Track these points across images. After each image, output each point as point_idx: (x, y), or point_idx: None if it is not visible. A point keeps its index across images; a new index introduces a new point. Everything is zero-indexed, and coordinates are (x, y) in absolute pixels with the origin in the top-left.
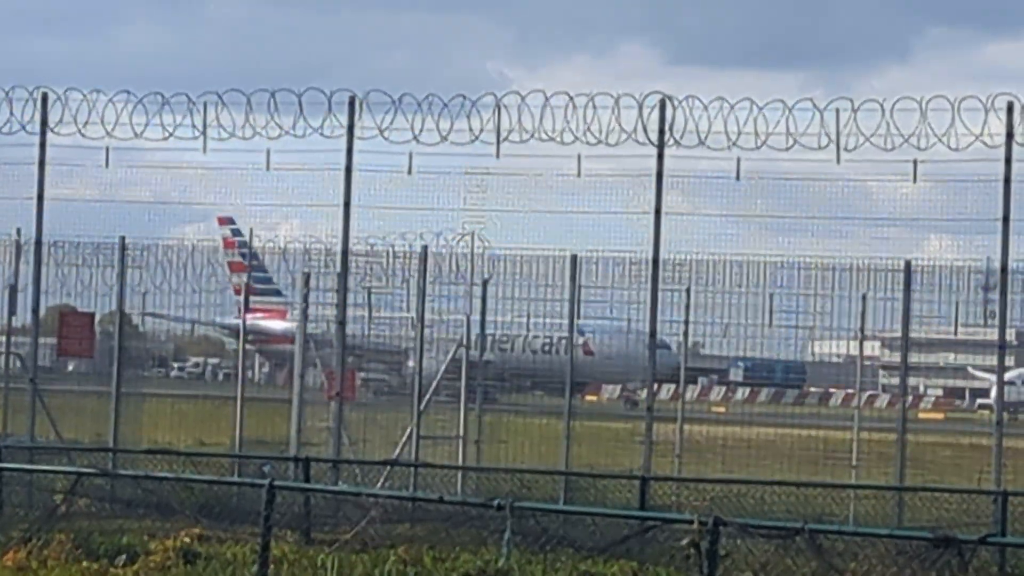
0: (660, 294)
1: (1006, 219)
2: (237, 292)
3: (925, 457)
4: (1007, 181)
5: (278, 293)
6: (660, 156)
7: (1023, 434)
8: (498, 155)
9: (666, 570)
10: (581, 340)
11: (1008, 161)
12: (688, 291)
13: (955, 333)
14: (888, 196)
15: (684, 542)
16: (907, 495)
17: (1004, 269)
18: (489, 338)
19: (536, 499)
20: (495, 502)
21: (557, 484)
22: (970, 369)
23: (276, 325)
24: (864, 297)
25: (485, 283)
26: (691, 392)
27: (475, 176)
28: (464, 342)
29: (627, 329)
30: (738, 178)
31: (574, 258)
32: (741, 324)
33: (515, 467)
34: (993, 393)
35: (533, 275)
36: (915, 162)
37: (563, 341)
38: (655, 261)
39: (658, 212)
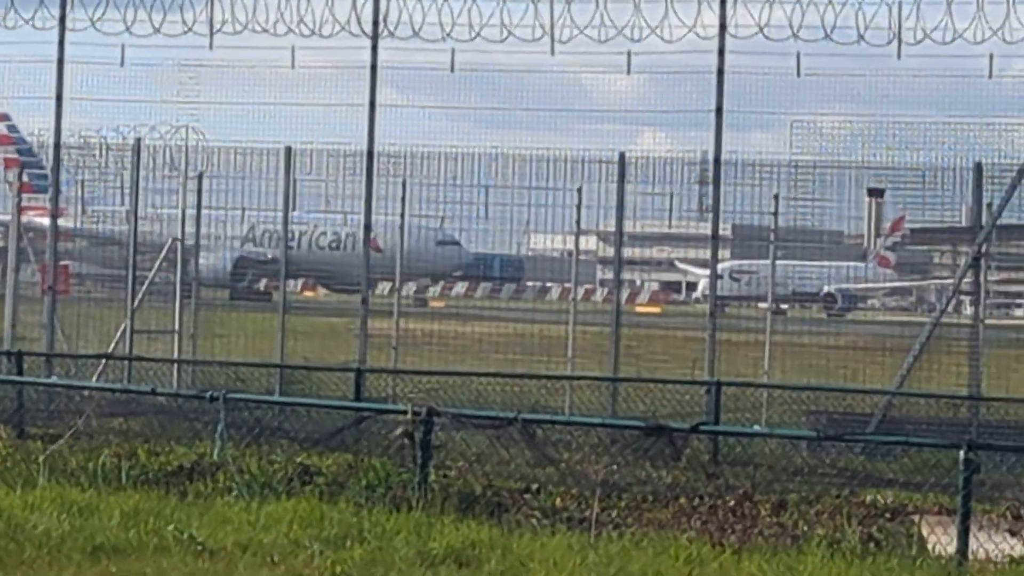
0: (375, 186)
1: (719, 110)
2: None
3: (641, 350)
4: (720, 73)
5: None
6: (374, 48)
7: (736, 327)
8: (211, 47)
9: (381, 461)
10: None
11: (721, 53)
12: (404, 183)
13: (670, 226)
14: (603, 89)
15: (398, 432)
16: (623, 387)
17: (717, 161)
18: (273, 235)
19: (252, 392)
20: (208, 394)
21: (273, 377)
22: (677, 263)
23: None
24: (580, 190)
25: (200, 176)
26: (407, 289)
27: (189, 68)
28: (180, 236)
29: (417, 226)
30: (452, 70)
31: (288, 150)
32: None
33: (230, 360)
34: (701, 286)
35: (248, 168)
36: (629, 54)
37: (351, 237)
38: (370, 153)
39: (372, 104)
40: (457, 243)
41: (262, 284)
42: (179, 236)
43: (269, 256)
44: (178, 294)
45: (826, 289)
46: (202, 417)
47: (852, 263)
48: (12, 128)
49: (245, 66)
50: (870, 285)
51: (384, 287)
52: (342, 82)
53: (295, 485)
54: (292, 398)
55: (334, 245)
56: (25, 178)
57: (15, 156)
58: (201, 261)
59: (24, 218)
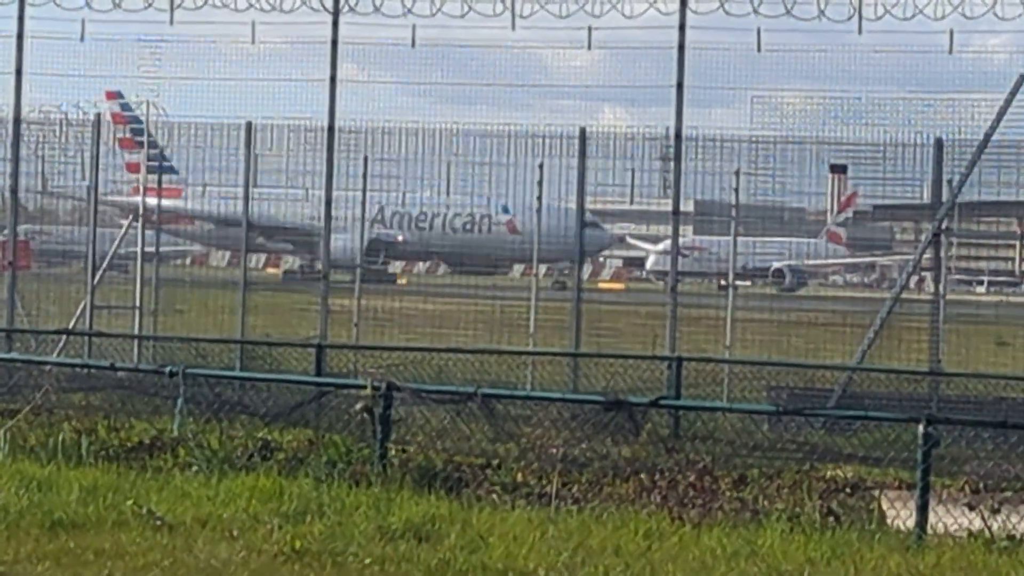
0: (336, 162)
1: (680, 86)
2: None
3: (603, 325)
4: (681, 48)
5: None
6: (335, 23)
7: (696, 303)
8: (172, 22)
9: (341, 436)
10: (507, 218)
11: (682, 28)
12: (365, 159)
13: (631, 202)
14: (564, 64)
15: (358, 407)
16: (584, 362)
17: (679, 136)
18: (404, 216)
19: (213, 368)
20: (167, 369)
21: (233, 353)
22: (628, 238)
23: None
24: (541, 166)
25: (161, 151)
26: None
27: (149, 43)
28: (141, 212)
29: (557, 207)
30: (413, 46)
31: (249, 126)
32: (416, 192)
33: (190, 336)
34: (650, 262)
35: (209, 143)
36: (589, 29)
37: (486, 219)
38: (331, 129)
39: (333, 80)
40: (599, 225)
41: (391, 266)
42: (144, 212)
43: (399, 238)
44: (139, 269)
45: (775, 265)
46: (162, 392)
47: (801, 239)
48: (125, 107)
49: (206, 41)
50: (819, 262)
51: (517, 269)
52: (303, 57)
53: (255, 460)
54: (251, 373)
55: (468, 227)
56: (139, 158)
57: (130, 136)
58: (334, 244)
59: (135, 198)
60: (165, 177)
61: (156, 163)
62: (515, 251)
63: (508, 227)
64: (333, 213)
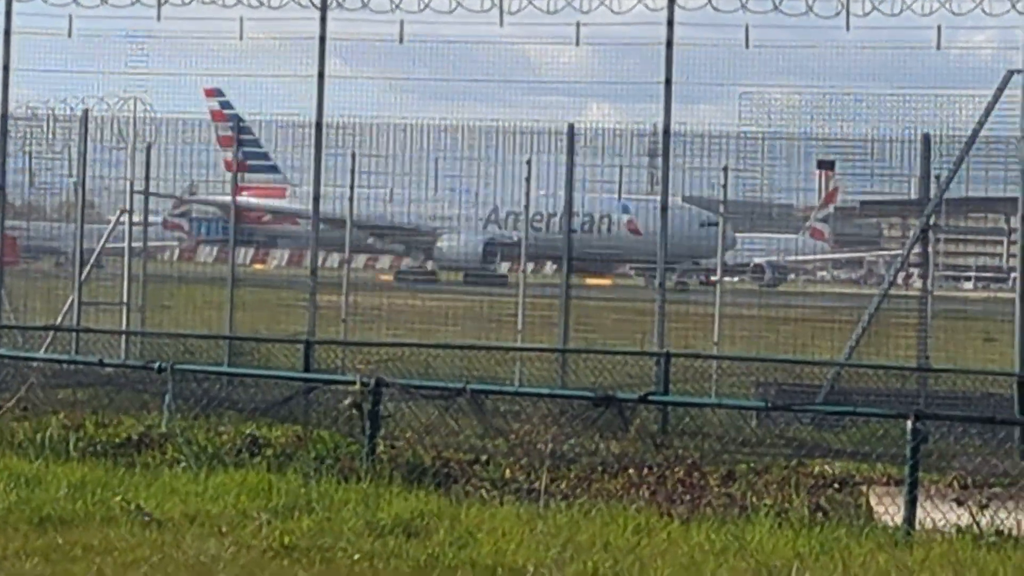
0: (324, 158)
1: (668, 82)
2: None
3: (592, 321)
4: (669, 44)
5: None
6: (323, 19)
7: (682, 299)
8: (159, 18)
9: (329, 432)
10: (627, 218)
11: (670, 24)
12: (353, 155)
13: (619, 198)
14: (552, 60)
15: (346, 403)
16: (572, 358)
17: (667, 132)
18: (519, 217)
19: (200, 364)
20: (156, 364)
21: (221, 349)
22: None
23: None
24: (529, 162)
25: (148, 148)
26: (359, 260)
27: (137, 39)
28: (128, 207)
29: (679, 207)
30: (401, 42)
31: (237, 120)
32: (403, 189)
33: (179, 332)
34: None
35: (197, 139)
36: (578, 25)
37: (605, 220)
38: (318, 125)
39: (321, 76)
40: (716, 224)
41: (504, 267)
42: (128, 207)
43: (515, 239)
44: (126, 266)
45: (755, 261)
46: (150, 388)
47: (784, 235)
48: (226, 104)
49: (193, 37)
50: (799, 258)
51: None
52: (291, 53)
53: (243, 456)
54: (240, 369)
55: (586, 227)
56: (241, 156)
57: (229, 134)
58: (448, 244)
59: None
60: (264, 176)
61: (257, 162)
62: (636, 252)
63: (629, 227)
64: (445, 213)
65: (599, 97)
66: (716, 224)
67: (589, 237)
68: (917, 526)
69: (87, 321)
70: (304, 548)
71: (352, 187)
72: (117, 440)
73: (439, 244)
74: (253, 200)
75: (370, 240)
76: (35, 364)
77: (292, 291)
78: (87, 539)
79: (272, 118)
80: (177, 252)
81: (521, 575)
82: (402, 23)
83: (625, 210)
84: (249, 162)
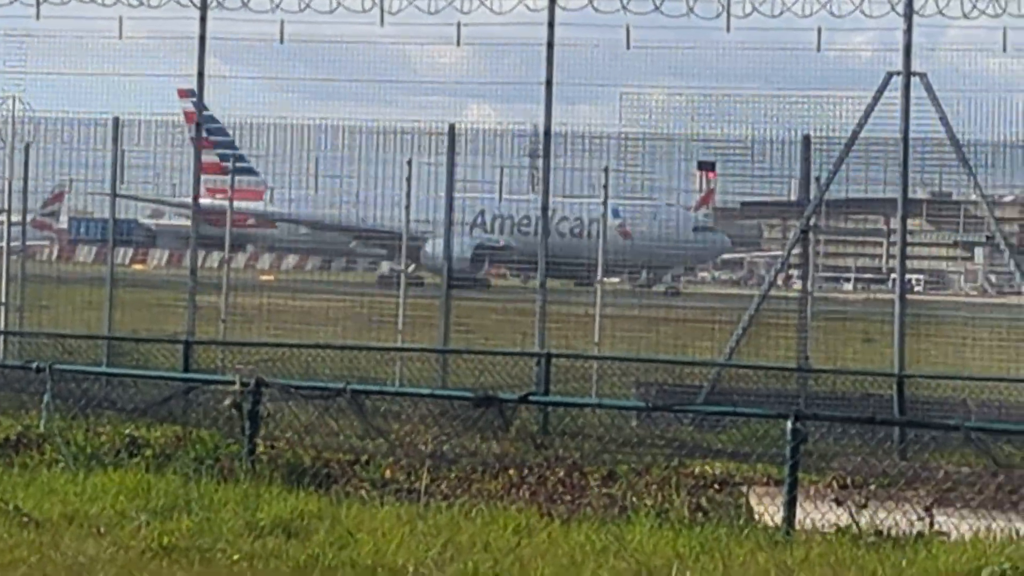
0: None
1: (549, 83)
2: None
3: (473, 321)
4: (550, 45)
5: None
6: (203, 19)
7: (563, 300)
8: (38, 17)
9: (209, 432)
10: (617, 222)
11: (551, 25)
12: (232, 156)
13: (499, 199)
14: (432, 61)
15: (226, 403)
16: (453, 359)
17: (548, 132)
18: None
19: (79, 364)
20: (34, 364)
21: (101, 349)
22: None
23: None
24: (409, 162)
25: (27, 147)
26: (239, 260)
27: (15, 38)
28: (7, 206)
29: (671, 211)
30: (282, 41)
31: (116, 121)
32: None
33: (57, 331)
34: None
35: (76, 139)
36: (459, 25)
37: (595, 224)
38: (198, 124)
39: (201, 75)
40: (714, 229)
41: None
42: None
43: (501, 243)
44: (4, 263)
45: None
46: (28, 389)
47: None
48: (199, 105)
49: (73, 36)
50: None
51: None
52: (171, 53)
53: (122, 456)
54: (119, 369)
55: (576, 231)
56: (215, 158)
57: (204, 136)
58: (434, 250)
59: (210, 201)
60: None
61: (231, 163)
62: (626, 257)
63: (620, 232)
64: (428, 218)
65: (480, 97)
66: (710, 229)
67: (578, 242)
68: (797, 526)
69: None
70: (183, 548)
71: (231, 187)
72: None
73: (426, 248)
74: (217, 203)
75: (352, 244)
76: None
77: (172, 291)
78: None
79: (151, 117)
80: (56, 251)
81: (401, 575)
82: (282, 23)
83: (616, 214)
84: (224, 164)
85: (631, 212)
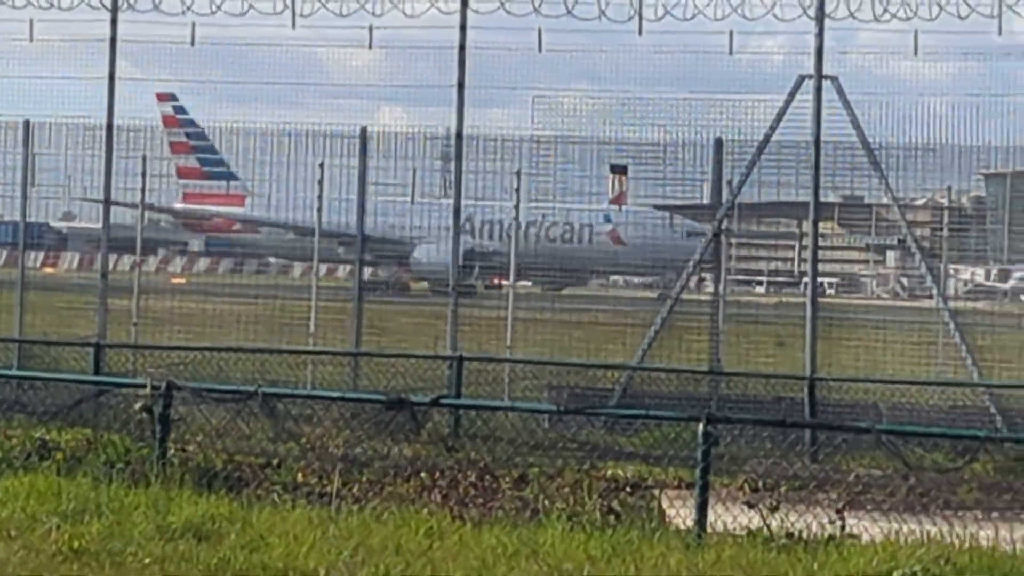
0: (115, 161)
1: (461, 86)
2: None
3: (386, 325)
4: (462, 48)
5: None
6: (114, 21)
7: (475, 303)
8: None
9: (120, 436)
10: (609, 227)
11: (463, 28)
12: (144, 158)
13: (411, 202)
14: (343, 63)
15: (137, 406)
16: (365, 362)
17: (460, 136)
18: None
19: None
20: None
21: (10, 352)
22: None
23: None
24: (321, 165)
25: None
26: (151, 263)
27: None
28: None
29: (660, 217)
30: (193, 44)
31: (27, 124)
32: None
33: None
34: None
35: None
36: (370, 28)
37: (586, 229)
38: (109, 127)
39: (112, 78)
40: (704, 234)
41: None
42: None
43: (491, 249)
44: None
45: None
46: None
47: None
48: (180, 109)
49: None
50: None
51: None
52: (82, 56)
53: (33, 460)
54: (29, 372)
55: (567, 237)
56: (195, 163)
57: (184, 140)
58: (425, 255)
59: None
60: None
61: (210, 168)
62: (618, 263)
63: (611, 237)
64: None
65: (392, 100)
66: (704, 234)
67: (569, 248)
68: (709, 529)
69: None
70: (94, 552)
71: (143, 190)
72: None
73: (416, 254)
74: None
75: (340, 250)
76: None
77: (83, 295)
78: None
79: (62, 120)
80: None
81: None
82: (194, 25)
83: (607, 220)
84: (204, 168)
85: (621, 219)
